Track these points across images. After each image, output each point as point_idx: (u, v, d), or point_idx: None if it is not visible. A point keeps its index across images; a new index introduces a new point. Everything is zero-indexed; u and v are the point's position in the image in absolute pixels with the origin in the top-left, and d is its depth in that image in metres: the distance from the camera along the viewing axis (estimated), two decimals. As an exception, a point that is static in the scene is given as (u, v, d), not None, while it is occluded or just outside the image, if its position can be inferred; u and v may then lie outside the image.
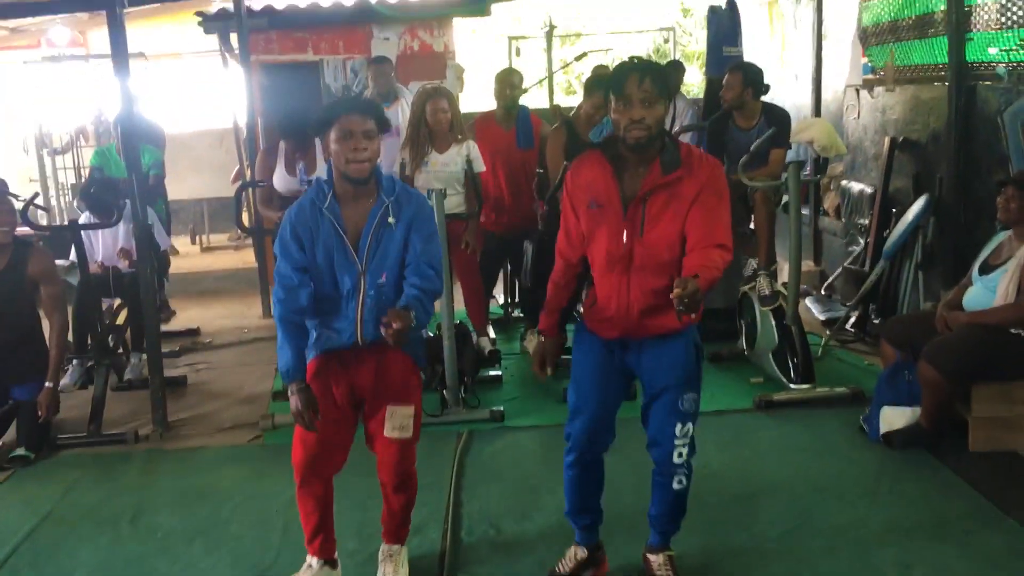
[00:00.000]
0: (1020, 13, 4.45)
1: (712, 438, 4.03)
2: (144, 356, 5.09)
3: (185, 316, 7.00)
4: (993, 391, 3.88)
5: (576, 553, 3.05)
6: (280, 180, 4.94)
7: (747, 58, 6.59)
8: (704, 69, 7.56)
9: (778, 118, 5.18)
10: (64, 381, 4.99)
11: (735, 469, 3.91)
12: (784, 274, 5.55)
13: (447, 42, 7.96)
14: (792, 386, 4.69)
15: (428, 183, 4.95)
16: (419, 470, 3.09)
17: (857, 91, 6.39)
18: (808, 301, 6.22)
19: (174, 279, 6.94)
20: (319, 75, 7.88)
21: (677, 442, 2.77)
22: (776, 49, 8.17)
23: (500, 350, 5.53)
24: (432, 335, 4.80)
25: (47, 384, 4.32)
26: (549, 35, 9.72)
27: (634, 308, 2.69)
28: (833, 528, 3.35)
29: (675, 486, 2.84)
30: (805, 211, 6.46)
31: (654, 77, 2.56)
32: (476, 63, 12.14)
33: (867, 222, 6.02)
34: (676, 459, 2.79)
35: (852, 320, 5.71)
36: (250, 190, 5.88)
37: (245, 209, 7.84)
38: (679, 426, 2.77)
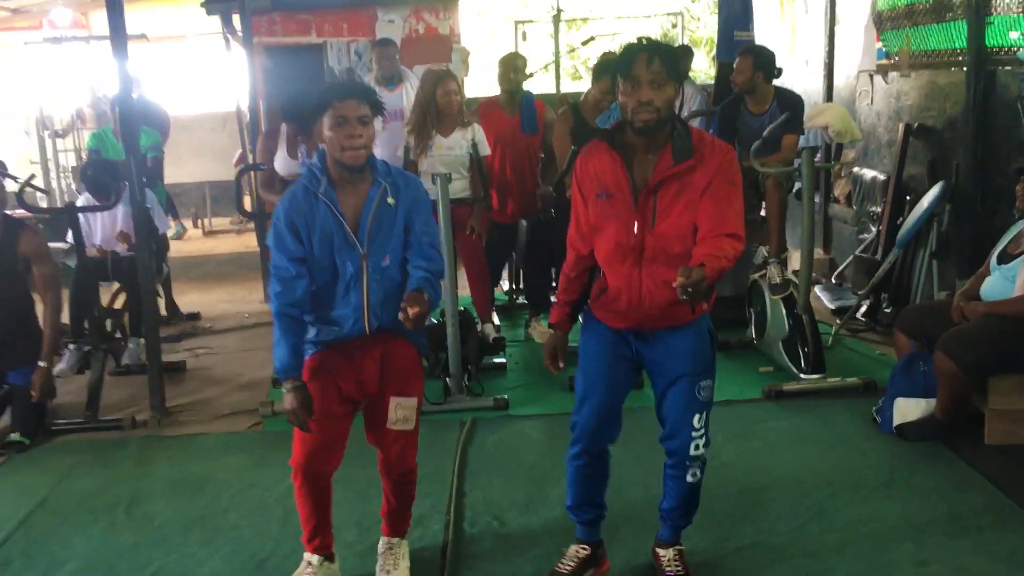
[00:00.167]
0: (1042, -4, 4.35)
1: (721, 429, 3.92)
2: (142, 341, 5.02)
3: (186, 300, 6.93)
4: (1011, 383, 3.78)
5: (578, 552, 2.94)
6: (281, 163, 4.84)
7: (758, 43, 6.47)
8: (715, 53, 7.43)
9: (791, 102, 5.07)
10: (61, 366, 4.92)
11: (744, 461, 3.82)
12: (795, 262, 5.46)
13: (453, 25, 7.86)
14: (802, 376, 4.61)
15: (432, 167, 4.87)
16: (421, 460, 3.00)
17: (871, 76, 6.28)
18: (817, 290, 6.12)
19: (175, 264, 6.85)
20: (323, 58, 7.78)
21: (695, 434, 2.68)
22: (786, 34, 8.05)
23: (505, 337, 5.45)
24: (436, 322, 4.72)
25: (40, 364, 4.24)
26: (556, 19, 9.59)
27: (646, 301, 2.60)
28: (846, 522, 3.26)
29: (689, 479, 2.75)
30: (816, 198, 6.35)
31: (664, 57, 2.46)
32: (482, 47, 12.01)
33: (879, 210, 5.92)
34: (693, 451, 2.70)
35: (863, 309, 5.61)
36: (251, 173, 5.79)
37: (247, 193, 7.77)
38: (697, 417, 2.68)
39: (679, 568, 2.84)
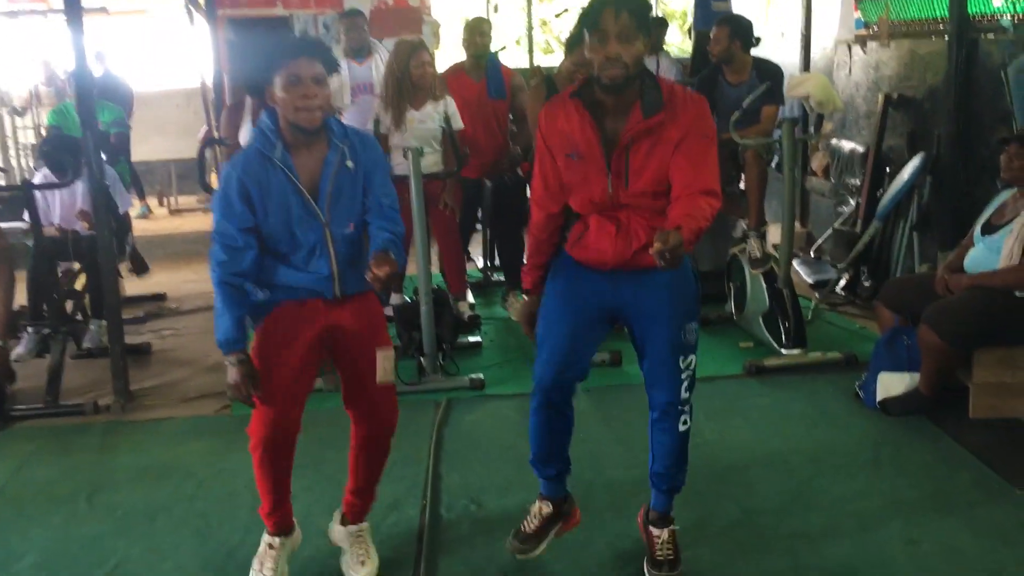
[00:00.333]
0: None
1: (701, 406, 3.78)
2: (104, 323, 4.85)
3: (152, 280, 6.74)
4: (996, 356, 3.72)
5: (541, 508, 2.83)
6: (247, 137, 4.68)
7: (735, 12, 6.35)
8: (692, 23, 7.32)
9: (770, 72, 4.95)
10: (19, 350, 4.74)
11: (726, 439, 3.74)
12: (774, 236, 5.38)
13: (423, -4, 7.69)
14: (783, 351, 4.54)
15: (404, 141, 4.73)
16: (395, 441, 2.87)
17: (849, 47, 6.19)
18: (796, 263, 6.05)
19: (140, 243, 6.65)
20: (289, 30, 7.57)
21: (683, 376, 2.56)
22: (761, 5, 7.94)
23: (480, 315, 5.33)
24: (409, 300, 4.59)
25: None
26: (528, -10, 9.43)
27: (633, 240, 2.49)
28: (832, 501, 3.19)
29: (681, 427, 2.62)
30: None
31: (632, 10, 2.34)
32: (453, 19, 11.79)
33: (858, 182, 5.85)
34: (683, 394, 2.58)
35: (843, 283, 5.55)
36: (216, 149, 5.61)
37: (212, 169, 7.56)
38: (682, 359, 2.55)
39: (670, 552, 2.72)
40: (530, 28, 9.21)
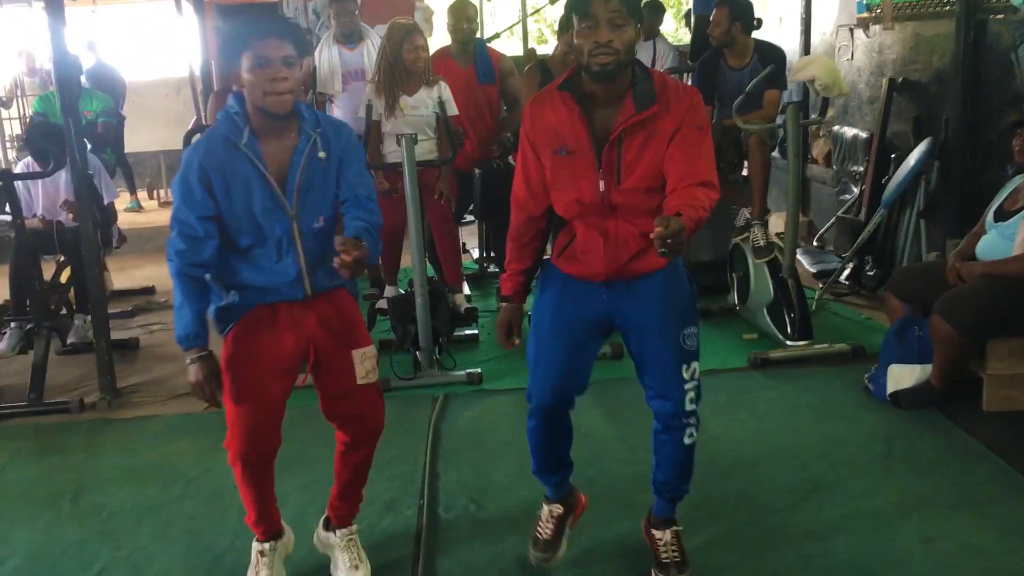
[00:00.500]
0: (1038, -61, 4.14)
1: (706, 400, 3.62)
2: (89, 318, 4.71)
3: (140, 274, 6.62)
4: (1010, 347, 3.61)
5: (552, 511, 2.75)
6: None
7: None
8: (692, 7, 7.19)
9: (773, 55, 4.82)
10: (1, 346, 4.60)
11: (733, 434, 3.63)
12: (777, 224, 5.26)
13: (415, -19, 7.54)
14: (789, 343, 4.42)
15: (398, 128, 4.60)
16: (388, 440, 2.76)
17: (851, 31, 6.07)
18: (798, 253, 5.93)
19: (128, 236, 6.50)
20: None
21: (687, 386, 2.43)
22: (761, -11, 7.81)
23: (477, 307, 5.21)
24: (403, 292, 4.47)
25: None
26: (522, -22, 9.27)
27: (622, 250, 2.37)
28: (845, 498, 3.07)
29: (686, 440, 2.49)
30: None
31: None
32: (445, 6, 11.63)
33: (862, 169, 5.73)
34: (688, 406, 2.45)
35: (847, 272, 5.44)
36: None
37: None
38: (684, 367, 2.43)
39: (675, 554, 2.61)
40: (524, 16, 9.05)
